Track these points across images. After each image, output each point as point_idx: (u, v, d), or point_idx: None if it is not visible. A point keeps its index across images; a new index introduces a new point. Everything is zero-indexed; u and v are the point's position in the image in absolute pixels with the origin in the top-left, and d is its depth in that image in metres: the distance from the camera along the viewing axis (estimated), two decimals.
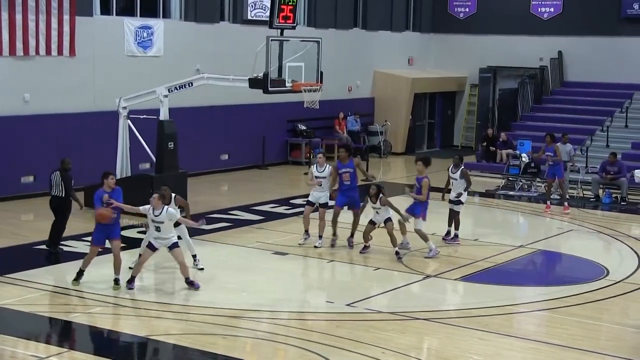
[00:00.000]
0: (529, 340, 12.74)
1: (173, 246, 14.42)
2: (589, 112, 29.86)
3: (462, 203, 18.28)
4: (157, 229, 14.35)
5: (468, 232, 18.52)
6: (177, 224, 15.50)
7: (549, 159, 22.23)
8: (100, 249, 14.71)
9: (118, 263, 14.48)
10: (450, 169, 18.37)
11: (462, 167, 18.34)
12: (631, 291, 14.96)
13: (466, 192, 18.31)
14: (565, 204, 22.07)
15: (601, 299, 14.60)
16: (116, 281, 14.44)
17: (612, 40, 31.10)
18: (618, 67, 30.84)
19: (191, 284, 14.48)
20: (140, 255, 14.84)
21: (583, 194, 24.11)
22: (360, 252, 16.99)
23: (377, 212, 16.74)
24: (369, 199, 16.78)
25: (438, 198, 19.06)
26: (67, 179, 16.74)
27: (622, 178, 23.45)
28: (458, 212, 18.29)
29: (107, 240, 14.55)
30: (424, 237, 16.95)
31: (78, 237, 17.37)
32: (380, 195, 16.69)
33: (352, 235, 17.57)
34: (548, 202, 22.31)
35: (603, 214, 22.44)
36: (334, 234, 17.58)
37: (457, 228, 18.34)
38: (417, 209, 17.07)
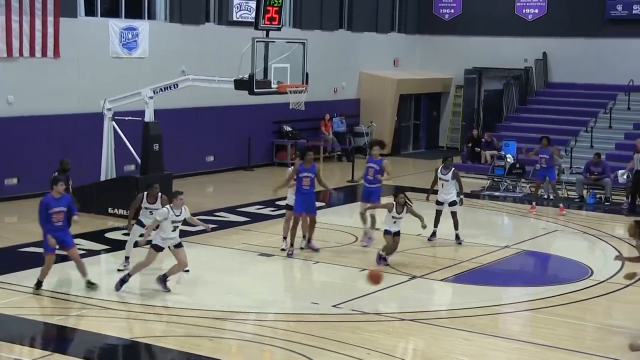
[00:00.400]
0: (514, 340, 12.77)
1: (179, 245, 14.38)
2: (573, 113, 29.97)
3: (457, 204, 18.31)
4: (174, 229, 14.28)
5: (453, 233, 18.52)
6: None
7: (542, 161, 22.20)
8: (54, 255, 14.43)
9: (82, 266, 14.41)
10: (439, 170, 18.35)
11: (454, 168, 18.38)
12: (615, 291, 15.00)
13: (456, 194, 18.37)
14: (561, 205, 22.11)
15: (585, 299, 14.65)
16: (88, 283, 14.38)
17: (596, 42, 31.22)
18: (602, 69, 30.96)
19: (163, 284, 14.35)
20: (143, 257, 14.59)
21: (567, 195, 24.18)
22: (380, 264, 16.18)
23: (394, 222, 16.18)
24: (394, 207, 16.09)
25: (421, 199, 19.07)
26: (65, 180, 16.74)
27: (606, 179, 23.52)
28: (456, 213, 18.31)
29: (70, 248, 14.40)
30: (374, 224, 17.46)
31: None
32: (407, 204, 16.22)
33: (309, 240, 17.31)
34: (534, 203, 22.35)
35: (587, 214, 22.51)
36: (292, 245, 16.98)
37: (456, 228, 18.34)
38: (374, 197, 17.62)
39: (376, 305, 14.10)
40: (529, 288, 15.41)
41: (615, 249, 18.31)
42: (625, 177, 23.34)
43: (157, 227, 14.44)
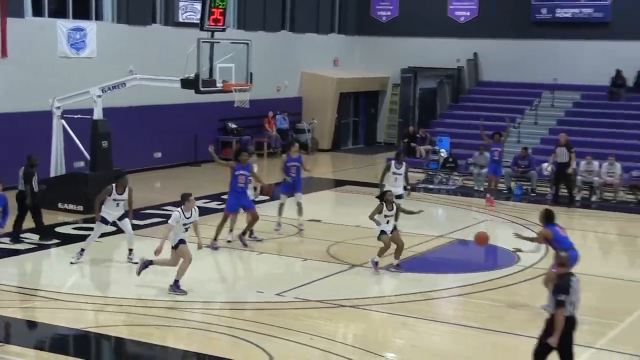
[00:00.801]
0: (448, 323, 12.97)
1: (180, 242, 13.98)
2: (502, 110, 30.27)
3: (403, 197, 18.41)
4: (186, 230, 13.98)
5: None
6: (122, 217, 15.44)
7: (495, 154, 22.44)
8: None
9: None
10: (393, 164, 18.41)
11: (405, 162, 18.53)
12: (539, 276, 15.20)
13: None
14: (492, 197, 22.28)
15: (513, 284, 14.93)
16: None
17: (523, 43, 31.64)
18: (529, 68, 31.39)
19: (179, 289, 13.80)
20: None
21: (497, 187, 24.49)
22: (392, 269, 15.62)
23: (387, 221, 15.61)
24: (384, 206, 15.53)
25: (366, 192, 19.21)
26: (27, 175, 16.78)
27: (532, 171, 23.93)
28: (400, 205, 18.37)
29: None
30: (301, 211, 17.82)
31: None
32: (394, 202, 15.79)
33: (244, 233, 17.14)
34: (488, 195, 22.37)
35: (515, 205, 22.83)
36: (215, 239, 16.82)
37: (396, 220, 18.39)
38: (298, 185, 18.18)
39: (318, 293, 14.18)
40: (462, 274, 15.62)
41: None
42: (549, 169, 23.73)
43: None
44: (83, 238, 17.33)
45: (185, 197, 14.06)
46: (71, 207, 19.67)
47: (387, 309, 13.40)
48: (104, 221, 15.44)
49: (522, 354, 11.05)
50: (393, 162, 18.49)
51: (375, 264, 15.38)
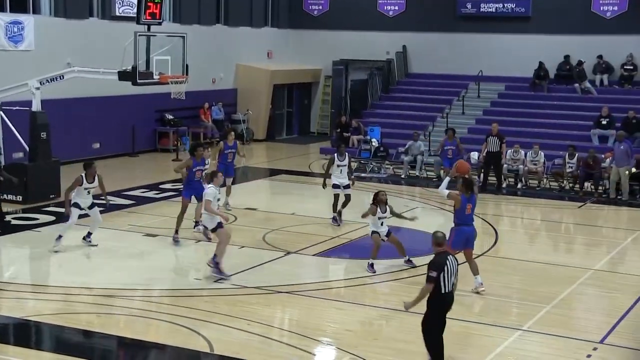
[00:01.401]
0: (382, 308, 12.97)
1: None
2: (430, 101, 30.56)
3: (350, 187, 18.37)
4: (218, 207, 14.32)
5: (324, 212, 18.66)
6: (92, 206, 15.62)
7: (449, 152, 22.55)
8: None
9: None
10: (336, 157, 18.30)
11: (347, 154, 18.48)
12: (464, 262, 15.32)
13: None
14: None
15: None
16: None
17: (449, 36, 31.86)
18: (455, 61, 31.61)
19: (217, 267, 13.96)
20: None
21: (427, 175, 24.66)
22: (406, 264, 15.12)
23: (381, 223, 14.84)
24: (377, 208, 14.76)
25: (303, 182, 19.12)
26: None
27: (460, 159, 24.04)
28: (350, 195, 18.35)
29: None
30: (229, 192, 18.00)
31: None
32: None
33: (197, 223, 16.84)
34: None
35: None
36: (177, 231, 16.43)
37: (344, 207, 18.34)
38: (231, 170, 18.61)
39: (255, 280, 14.07)
40: (394, 260, 15.59)
41: None
42: (477, 157, 23.91)
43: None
44: (23, 228, 17.01)
45: (214, 174, 14.28)
46: (10, 197, 19.20)
47: (322, 295, 13.35)
48: (77, 206, 15.43)
49: (453, 336, 11.10)
50: (336, 154, 18.41)
51: (371, 265, 14.79)
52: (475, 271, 13.78)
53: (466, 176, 13.96)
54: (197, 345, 11.07)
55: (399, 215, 15.55)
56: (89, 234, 15.84)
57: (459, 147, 22.84)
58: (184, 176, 16.97)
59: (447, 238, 10.67)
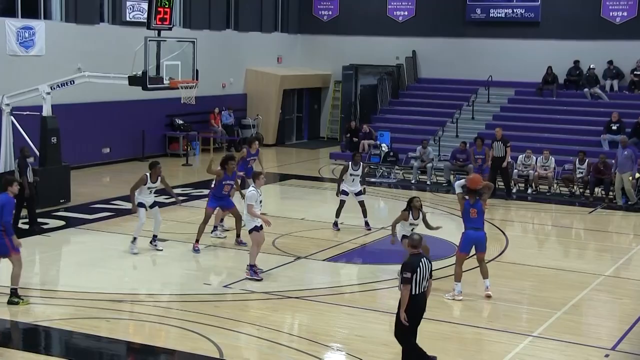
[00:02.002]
0: (391, 313, 12.79)
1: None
2: (440, 106, 30.43)
3: (363, 193, 18.26)
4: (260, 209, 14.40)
5: (333, 217, 18.54)
6: (153, 205, 15.83)
7: (479, 160, 22.39)
8: None
9: None
10: (350, 166, 18.09)
11: (362, 163, 18.38)
12: (478, 266, 15.24)
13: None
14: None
15: (452, 274, 14.81)
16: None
17: (459, 41, 31.76)
18: (465, 66, 31.50)
19: (253, 271, 14.16)
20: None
21: (436, 180, 24.56)
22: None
23: (412, 229, 14.06)
24: (409, 214, 14.23)
25: (311, 186, 19.03)
26: (21, 166, 17.10)
27: (470, 165, 23.96)
28: (363, 202, 18.22)
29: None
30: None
31: None
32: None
33: (238, 235, 16.62)
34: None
35: (454, 197, 22.72)
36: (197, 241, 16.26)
37: (365, 216, 18.22)
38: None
39: (265, 285, 13.98)
40: None
41: None
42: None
43: None
44: (32, 232, 16.95)
45: (256, 175, 14.42)
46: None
47: (332, 300, 13.25)
48: (143, 206, 15.68)
49: (463, 342, 11.01)
50: (351, 163, 18.19)
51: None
52: (485, 275, 13.70)
53: (479, 186, 13.77)
54: (207, 351, 10.98)
55: (428, 225, 14.84)
56: (155, 237, 16.00)
57: (487, 155, 22.35)
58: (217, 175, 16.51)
59: (422, 241, 10.55)
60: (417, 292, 10.12)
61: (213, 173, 16.54)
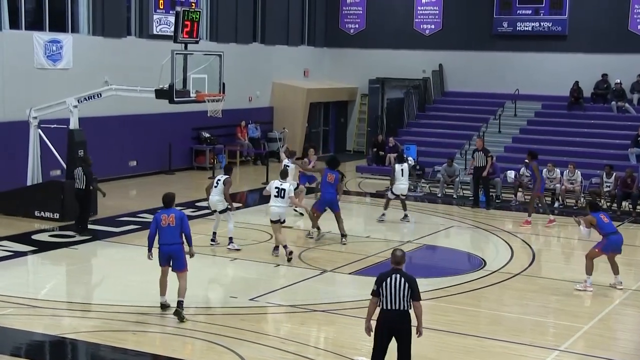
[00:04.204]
0: (414, 326, 12.80)
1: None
2: (466, 119, 30.40)
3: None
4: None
5: (360, 230, 18.60)
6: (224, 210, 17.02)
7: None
8: None
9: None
10: (394, 164, 20.65)
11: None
12: (505, 280, 15.25)
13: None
14: (551, 216, 21.04)
15: (479, 288, 14.83)
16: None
17: (486, 55, 31.73)
18: (492, 79, 31.47)
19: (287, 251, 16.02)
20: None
21: (463, 193, 24.49)
22: None
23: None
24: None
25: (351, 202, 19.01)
26: (88, 174, 17.90)
27: (496, 178, 23.89)
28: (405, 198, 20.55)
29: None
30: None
31: None
32: None
33: (343, 235, 18.10)
34: (551, 217, 21.08)
35: (480, 211, 22.79)
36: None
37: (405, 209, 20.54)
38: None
39: (291, 298, 14.03)
40: (429, 279, 15.47)
41: (506, 242, 18.64)
42: (513, 176, 23.73)
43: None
44: (60, 245, 17.10)
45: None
46: (47, 214, 19.37)
47: (358, 314, 13.21)
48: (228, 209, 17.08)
49: (489, 356, 10.97)
50: (394, 162, 21.12)
51: None
52: (615, 271, 15.08)
53: (589, 199, 14.86)
54: None
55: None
56: (230, 239, 16.98)
57: (535, 172, 21.11)
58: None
59: (405, 256, 10.26)
60: (387, 308, 9.78)
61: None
